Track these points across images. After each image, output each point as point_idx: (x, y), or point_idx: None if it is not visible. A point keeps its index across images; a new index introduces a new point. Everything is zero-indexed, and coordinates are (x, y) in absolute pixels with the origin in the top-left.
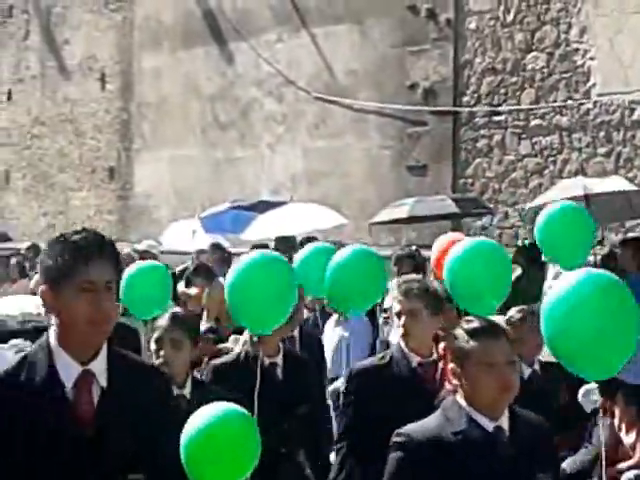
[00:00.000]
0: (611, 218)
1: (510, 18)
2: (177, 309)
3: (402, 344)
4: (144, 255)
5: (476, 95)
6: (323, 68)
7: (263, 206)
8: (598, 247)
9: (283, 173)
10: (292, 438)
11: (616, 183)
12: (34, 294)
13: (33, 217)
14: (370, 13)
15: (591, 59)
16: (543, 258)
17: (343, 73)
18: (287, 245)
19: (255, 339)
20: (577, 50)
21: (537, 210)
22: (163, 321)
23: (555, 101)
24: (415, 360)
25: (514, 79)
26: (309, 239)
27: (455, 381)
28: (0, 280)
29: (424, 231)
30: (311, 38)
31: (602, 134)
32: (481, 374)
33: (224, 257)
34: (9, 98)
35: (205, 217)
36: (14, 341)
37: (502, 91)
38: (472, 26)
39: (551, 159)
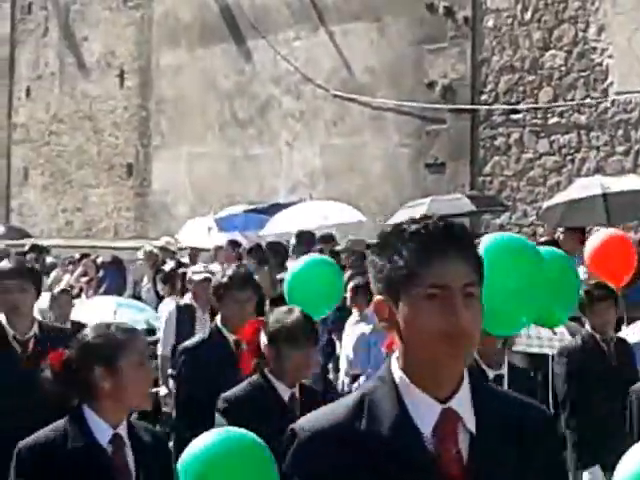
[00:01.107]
0: (630, 217)
1: (528, 16)
2: None
3: None
4: (162, 252)
5: (494, 93)
6: (341, 66)
7: (277, 209)
8: None
9: (301, 170)
10: None
11: (634, 181)
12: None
13: (51, 214)
14: (388, 11)
15: (609, 57)
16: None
17: (361, 71)
18: (309, 239)
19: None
20: (595, 48)
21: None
22: None
23: (573, 99)
24: None
25: (532, 77)
26: (325, 237)
27: None
28: None
29: None
30: (329, 36)
31: (620, 132)
32: None
33: (240, 254)
34: (28, 95)
35: (219, 218)
36: None
37: (520, 89)
38: (490, 24)
39: (569, 157)
